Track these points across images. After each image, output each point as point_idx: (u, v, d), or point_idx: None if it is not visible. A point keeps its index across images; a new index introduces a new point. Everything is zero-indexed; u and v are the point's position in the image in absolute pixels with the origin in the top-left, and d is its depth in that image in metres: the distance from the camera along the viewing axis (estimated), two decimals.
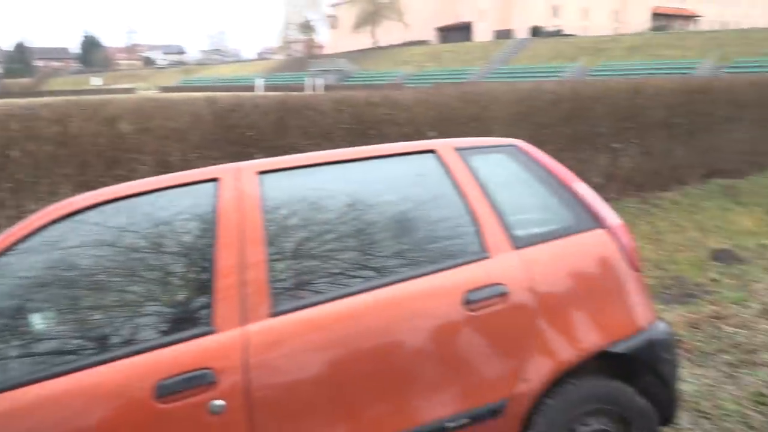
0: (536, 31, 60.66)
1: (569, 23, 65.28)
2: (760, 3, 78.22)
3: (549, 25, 64.05)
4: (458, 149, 2.37)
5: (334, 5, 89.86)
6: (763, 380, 3.32)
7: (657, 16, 70.11)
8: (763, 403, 3.09)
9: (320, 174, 2.23)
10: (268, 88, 45.39)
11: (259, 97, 5.34)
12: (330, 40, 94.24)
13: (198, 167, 2.21)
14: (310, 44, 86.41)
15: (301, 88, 45.75)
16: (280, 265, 2.00)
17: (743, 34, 47.81)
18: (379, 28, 77.20)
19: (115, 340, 1.84)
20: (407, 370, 1.98)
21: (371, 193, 2.26)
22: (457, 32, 73.43)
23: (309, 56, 78.86)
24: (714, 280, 5.56)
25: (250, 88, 51.36)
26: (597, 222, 2.34)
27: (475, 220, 2.20)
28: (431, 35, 75.71)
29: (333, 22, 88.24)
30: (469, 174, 2.29)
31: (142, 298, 1.93)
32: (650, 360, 2.26)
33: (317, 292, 1.98)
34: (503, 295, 2.09)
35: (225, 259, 1.92)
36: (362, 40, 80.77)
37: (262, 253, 1.96)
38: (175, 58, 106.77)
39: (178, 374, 1.75)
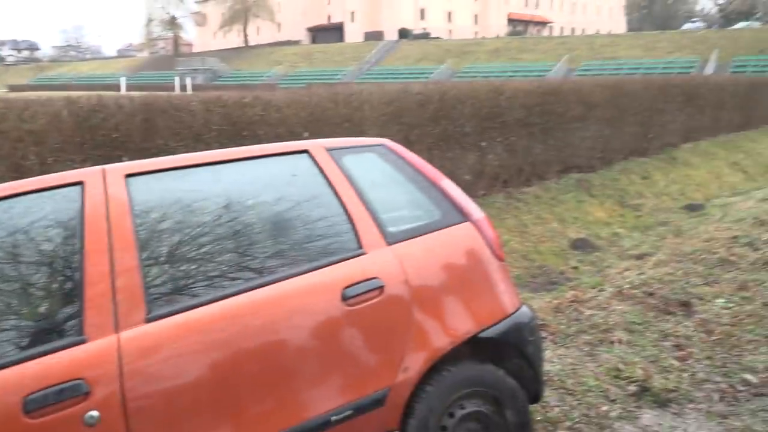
0: (404, 33, 62.38)
1: (435, 26, 67.86)
2: (605, 11, 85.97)
3: (416, 27, 66.15)
4: (329, 149, 2.41)
5: (200, 2, 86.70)
6: (618, 356, 3.69)
7: (513, 21, 74.82)
8: (619, 377, 3.44)
9: (192, 176, 2.18)
10: (132, 87, 42.79)
11: (124, 97, 5.04)
12: (198, 38, 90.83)
13: (58, 172, 2.08)
14: (177, 42, 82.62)
15: (169, 88, 43.67)
16: (155, 270, 1.93)
17: (589, 39, 52.29)
18: (249, 27, 75.62)
19: None
20: (291, 368, 1.99)
21: (246, 194, 2.25)
22: (327, 33, 73.74)
23: (176, 54, 75.42)
24: (574, 267, 6.09)
25: (114, 87, 48.25)
26: (463, 216, 2.48)
27: (349, 218, 2.26)
28: (302, 35, 75.42)
29: (200, 19, 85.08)
30: (341, 173, 2.34)
31: (2, 311, 1.78)
32: (517, 343, 2.45)
33: (195, 296, 1.94)
34: (379, 288, 2.16)
35: (94, 266, 1.83)
36: (232, 39, 78.68)
37: (134, 258, 1.89)
38: (27, 54, 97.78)
39: (47, 387, 1.65)
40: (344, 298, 2.09)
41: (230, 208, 2.16)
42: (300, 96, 5.97)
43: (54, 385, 1.66)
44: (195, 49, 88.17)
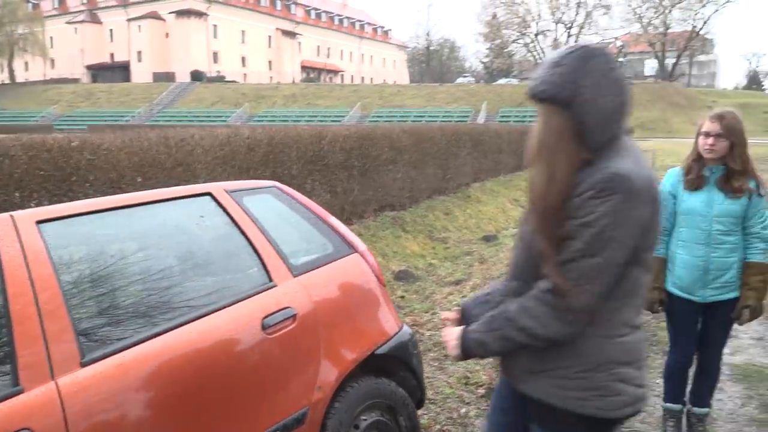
0: (197, 76, 61.19)
1: (229, 69, 67.63)
2: (390, 63, 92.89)
3: (210, 70, 65.27)
4: (230, 191, 2.58)
5: None
6: (463, 367, 4.22)
7: (306, 68, 77.62)
8: (468, 383, 3.95)
9: (104, 220, 2.20)
10: None
11: None
12: None
13: None
14: None
15: None
16: (83, 315, 1.93)
17: (379, 88, 56.24)
18: (16, 62, 68.02)
19: None
20: (222, 394, 2.10)
21: (161, 235, 2.32)
22: (111, 72, 69.32)
23: None
24: (401, 296, 6.64)
25: None
26: (351, 248, 2.80)
27: (257, 254, 2.44)
28: (81, 73, 69.86)
29: None
30: (244, 213, 2.52)
31: None
32: (403, 357, 2.80)
33: (125, 337, 1.97)
34: (293, 317, 2.37)
35: (21, 317, 1.79)
36: None
37: (61, 304, 1.87)
38: None
39: None
40: (264, 328, 2.26)
41: (148, 250, 2.22)
42: (131, 140, 5.78)
43: None
44: None
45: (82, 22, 70.63)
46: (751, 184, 2.92)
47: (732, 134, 2.88)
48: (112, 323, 2.01)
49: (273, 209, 2.70)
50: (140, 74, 65.99)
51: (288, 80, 66.50)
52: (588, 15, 61.24)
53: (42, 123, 48.22)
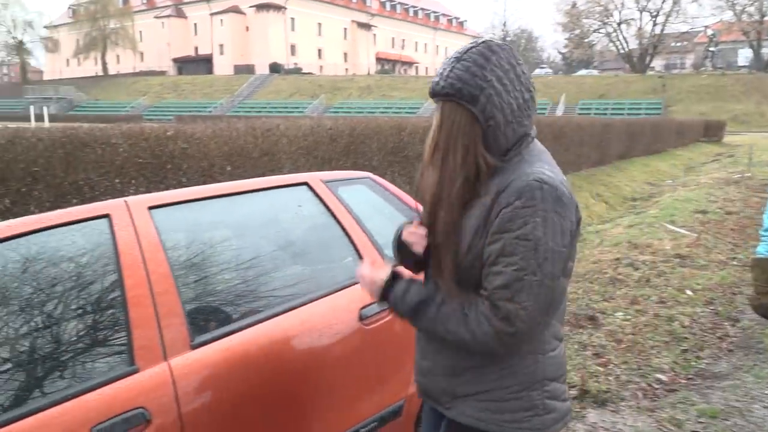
0: (275, 68, 62.66)
1: (306, 62, 68.86)
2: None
3: (288, 62, 66.69)
4: (325, 182, 2.57)
5: (50, 27, 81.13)
6: None
7: (381, 60, 77.90)
8: None
9: (209, 207, 2.23)
10: None
11: (43, 129, 4.77)
12: (48, 65, 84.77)
13: None
14: (25, 69, 76.47)
15: (21, 117, 40.19)
16: (191, 299, 1.97)
17: None
18: (108, 56, 71.96)
19: (35, 392, 1.64)
20: (320, 384, 2.10)
21: (261, 223, 2.35)
22: (195, 65, 72.13)
23: (24, 82, 69.74)
24: None
25: None
26: None
27: (353, 244, 2.42)
28: (168, 66, 73.04)
29: (51, 45, 79.44)
30: (340, 203, 2.50)
31: (52, 345, 1.74)
32: None
33: (230, 322, 2.00)
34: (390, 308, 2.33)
35: (136, 299, 1.84)
36: (88, 67, 74.37)
37: (172, 288, 1.91)
38: None
39: (113, 417, 1.64)
40: (361, 318, 2.24)
41: (249, 237, 2.24)
42: (220, 129, 5.95)
43: (118, 415, 1.65)
44: (46, 77, 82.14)
45: (168, 16, 73.76)
46: None
47: None
48: (217, 308, 2.05)
49: (367, 200, 2.68)
50: (222, 67, 68.33)
51: (363, 72, 67.02)
52: (675, 2, 58.19)
53: (132, 113, 50.85)
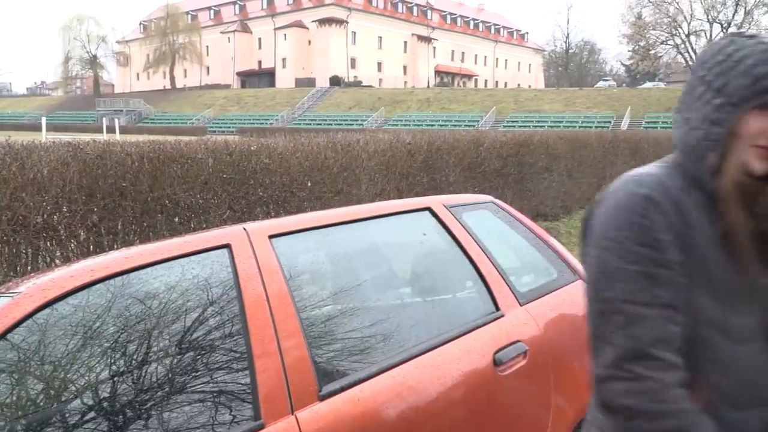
0: (336, 81, 63.36)
1: (366, 74, 69.41)
2: (524, 67, 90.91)
3: (348, 75, 67.37)
4: (448, 206, 2.36)
5: (122, 42, 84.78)
6: None
7: (440, 73, 77.73)
8: None
9: (330, 236, 2.06)
10: (52, 128, 40.96)
11: (131, 144, 4.78)
12: (119, 79, 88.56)
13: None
14: (97, 81, 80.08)
15: (92, 129, 42.02)
16: (317, 342, 1.79)
17: (514, 93, 54.97)
18: (176, 70, 74.59)
19: None
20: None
21: (386, 256, 2.17)
22: (258, 78, 73.88)
23: (96, 94, 73.07)
24: None
25: (29, 127, 45.86)
26: (575, 273, 2.48)
27: (482, 278, 2.20)
28: (231, 79, 75.07)
29: (123, 59, 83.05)
30: (465, 232, 2.29)
31: (162, 396, 1.58)
32: None
33: (358, 369, 1.80)
34: (524, 352, 2.10)
35: (260, 342, 1.66)
36: (157, 81, 77.24)
37: (298, 328, 1.74)
38: None
39: None
40: (496, 364, 2.02)
41: (373, 271, 2.06)
42: (300, 144, 5.86)
43: None
44: (116, 90, 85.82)
45: (234, 31, 75.89)
46: None
47: None
48: (344, 352, 1.86)
49: (492, 227, 2.46)
50: (284, 80, 69.66)
51: (422, 85, 66.96)
52: (748, 13, 55.64)
53: (197, 125, 52.38)
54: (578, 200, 10.68)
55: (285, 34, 71.14)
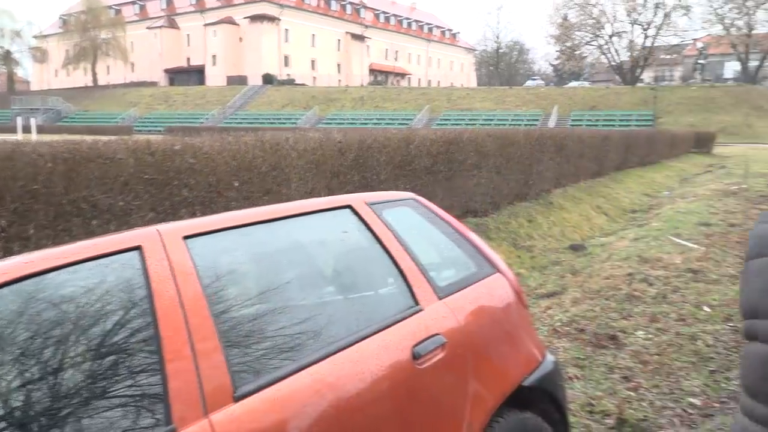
0: (269, 79, 62.51)
1: (299, 73, 68.80)
2: (457, 66, 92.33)
3: (281, 73, 66.56)
4: (369, 204, 2.39)
5: (39, 37, 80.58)
6: (582, 392, 3.91)
7: (374, 71, 78.01)
8: (593, 412, 3.64)
9: (249, 236, 2.04)
10: None
11: (44, 144, 4.55)
12: (36, 76, 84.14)
13: None
14: (12, 78, 75.88)
15: (8, 129, 39.71)
16: (232, 342, 1.76)
17: (447, 91, 55.80)
18: (98, 66, 71.57)
19: None
20: (373, 428, 1.90)
21: (306, 254, 2.16)
22: (187, 75, 71.90)
23: (11, 92, 69.10)
24: None
25: None
26: (493, 267, 2.56)
27: (402, 274, 2.23)
28: (159, 77, 72.72)
29: (40, 55, 78.85)
30: (386, 229, 2.32)
31: (73, 401, 1.52)
32: (549, 388, 2.53)
33: (275, 367, 1.80)
34: (443, 345, 2.15)
35: (172, 346, 1.63)
36: (77, 78, 73.88)
37: (213, 329, 1.71)
38: None
39: None
40: (415, 357, 2.05)
41: (293, 270, 2.05)
42: (228, 143, 5.75)
43: None
44: (33, 87, 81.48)
45: (161, 27, 73.49)
46: None
47: None
48: (262, 352, 1.84)
49: (413, 223, 2.50)
50: (214, 78, 68.07)
51: (356, 83, 66.99)
52: (666, 16, 58.71)
53: (122, 125, 50.45)
54: (506, 196, 10.96)
55: (215, 31, 69.53)
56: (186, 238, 1.88)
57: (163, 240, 1.83)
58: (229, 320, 1.81)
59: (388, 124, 45.29)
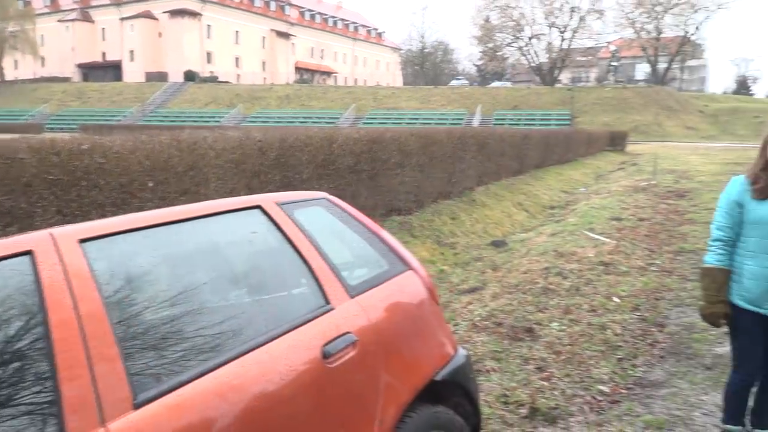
0: (190, 76, 60.73)
1: (223, 70, 67.23)
2: (383, 65, 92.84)
3: (203, 70, 64.82)
4: (280, 204, 2.37)
5: None
6: (498, 384, 4.03)
7: (300, 69, 77.31)
8: (508, 402, 3.76)
9: (151, 238, 1.97)
10: None
11: None
12: None
13: None
14: None
15: None
16: (132, 348, 1.70)
17: (373, 90, 56.06)
18: (5, 61, 67.26)
19: None
20: (282, 428, 1.89)
21: (212, 255, 2.11)
22: (102, 71, 68.79)
23: None
24: None
25: None
26: (405, 264, 2.60)
27: (313, 274, 2.23)
28: (72, 72, 69.19)
29: None
30: (297, 228, 2.31)
31: None
32: (461, 382, 2.59)
33: (179, 372, 1.75)
34: (353, 343, 2.16)
35: (66, 354, 1.56)
36: None
37: (110, 336, 1.65)
38: None
39: None
40: (324, 356, 2.06)
41: (199, 272, 2.00)
42: (141, 143, 5.55)
43: None
44: None
45: (73, 20, 69.93)
46: None
47: None
48: (165, 358, 1.79)
49: (325, 223, 2.50)
50: (132, 74, 65.44)
51: (282, 81, 66.15)
52: (582, 19, 61.41)
53: (32, 122, 47.62)
54: (430, 194, 11.14)
55: (132, 25, 66.86)
56: (82, 241, 1.80)
57: (56, 244, 1.75)
58: (129, 326, 1.75)
59: (314, 122, 45.03)
